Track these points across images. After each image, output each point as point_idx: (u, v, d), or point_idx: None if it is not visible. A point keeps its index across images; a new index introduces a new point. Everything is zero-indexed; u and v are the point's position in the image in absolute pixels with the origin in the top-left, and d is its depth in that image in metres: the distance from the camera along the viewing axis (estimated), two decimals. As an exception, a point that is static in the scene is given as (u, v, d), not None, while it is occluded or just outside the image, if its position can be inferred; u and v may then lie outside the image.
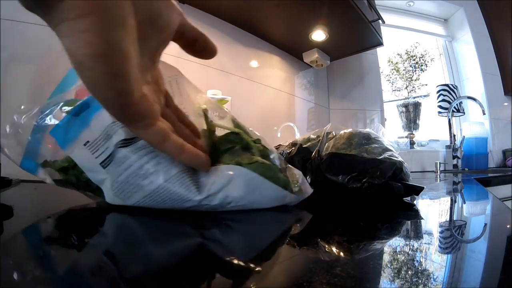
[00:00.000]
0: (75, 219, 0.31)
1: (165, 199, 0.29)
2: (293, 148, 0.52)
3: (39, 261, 0.19)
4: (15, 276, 0.16)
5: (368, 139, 0.45)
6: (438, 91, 1.85)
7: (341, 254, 0.20)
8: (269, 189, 0.33)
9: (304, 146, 0.50)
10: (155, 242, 0.23)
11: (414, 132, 1.74)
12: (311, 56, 1.31)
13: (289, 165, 0.38)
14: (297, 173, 0.38)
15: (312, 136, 0.52)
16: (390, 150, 0.43)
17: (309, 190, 0.38)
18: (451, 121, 1.73)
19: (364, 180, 0.39)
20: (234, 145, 0.34)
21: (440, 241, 0.24)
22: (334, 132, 0.50)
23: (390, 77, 1.90)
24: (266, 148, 0.36)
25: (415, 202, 0.44)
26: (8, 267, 0.17)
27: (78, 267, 0.18)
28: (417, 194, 0.40)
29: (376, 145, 0.44)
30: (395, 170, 0.39)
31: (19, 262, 0.18)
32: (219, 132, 0.36)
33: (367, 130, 0.48)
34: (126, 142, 0.28)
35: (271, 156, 0.35)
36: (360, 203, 0.41)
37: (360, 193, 0.39)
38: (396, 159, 0.41)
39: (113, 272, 0.17)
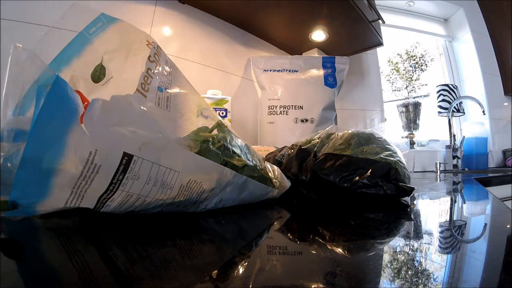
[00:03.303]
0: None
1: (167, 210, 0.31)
2: (292, 150, 0.52)
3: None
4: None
5: (368, 139, 0.45)
6: (438, 91, 1.85)
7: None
8: (256, 188, 0.37)
9: (303, 147, 0.50)
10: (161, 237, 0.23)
11: (414, 132, 1.74)
12: (311, 56, 1.31)
13: (268, 163, 0.42)
14: (276, 169, 0.42)
15: (315, 138, 0.52)
16: (390, 150, 0.43)
17: (288, 184, 0.43)
18: (451, 121, 1.73)
19: (354, 180, 0.39)
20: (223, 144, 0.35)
21: (440, 241, 0.24)
22: (338, 133, 0.50)
23: (390, 77, 1.90)
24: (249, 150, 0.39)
25: (415, 202, 0.44)
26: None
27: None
28: (408, 195, 0.40)
29: (375, 145, 0.44)
30: (389, 170, 0.39)
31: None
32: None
33: (371, 130, 0.48)
34: (108, 194, 0.25)
35: (253, 157, 0.38)
36: (352, 202, 0.41)
37: (351, 192, 0.39)
38: (392, 159, 0.41)
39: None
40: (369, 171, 0.39)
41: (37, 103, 0.21)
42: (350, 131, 0.48)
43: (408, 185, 0.39)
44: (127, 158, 0.24)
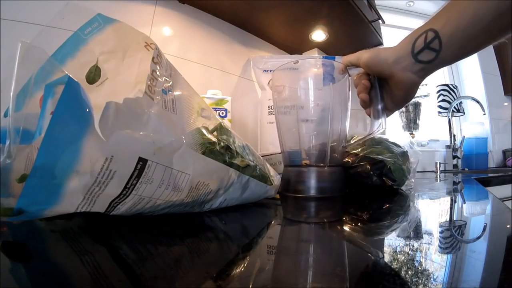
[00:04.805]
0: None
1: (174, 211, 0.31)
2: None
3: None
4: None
5: (380, 142, 0.58)
6: (438, 91, 1.85)
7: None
8: (257, 187, 0.38)
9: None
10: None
11: (414, 132, 1.74)
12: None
13: (265, 161, 0.44)
14: (270, 167, 0.44)
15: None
16: (392, 153, 0.54)
17: (279, 182, 0.45)
18: (451, 121, 1.73)
19: (356, 171, 0.53)
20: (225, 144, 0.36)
21: (440, 241, 0.24)
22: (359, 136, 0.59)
23: (390, 77, 1.89)
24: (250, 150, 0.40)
25: (415, 202, 0.44)
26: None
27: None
28: (392, 188, 0.53)
29: (381, 148, 0.56)
30: (382, 167, 0.52)
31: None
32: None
33: (384, 137, 0.61)
34: (121, 197, 0.25)
35: (253, 157, 0.39)
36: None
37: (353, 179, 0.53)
38: (389, 160, 0.52)
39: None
40: (368, 166, 0.52)
41: (44, 102, 0.21)
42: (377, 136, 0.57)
43: (394, 181, 0.51)
44: (142, 163, 0.24)
